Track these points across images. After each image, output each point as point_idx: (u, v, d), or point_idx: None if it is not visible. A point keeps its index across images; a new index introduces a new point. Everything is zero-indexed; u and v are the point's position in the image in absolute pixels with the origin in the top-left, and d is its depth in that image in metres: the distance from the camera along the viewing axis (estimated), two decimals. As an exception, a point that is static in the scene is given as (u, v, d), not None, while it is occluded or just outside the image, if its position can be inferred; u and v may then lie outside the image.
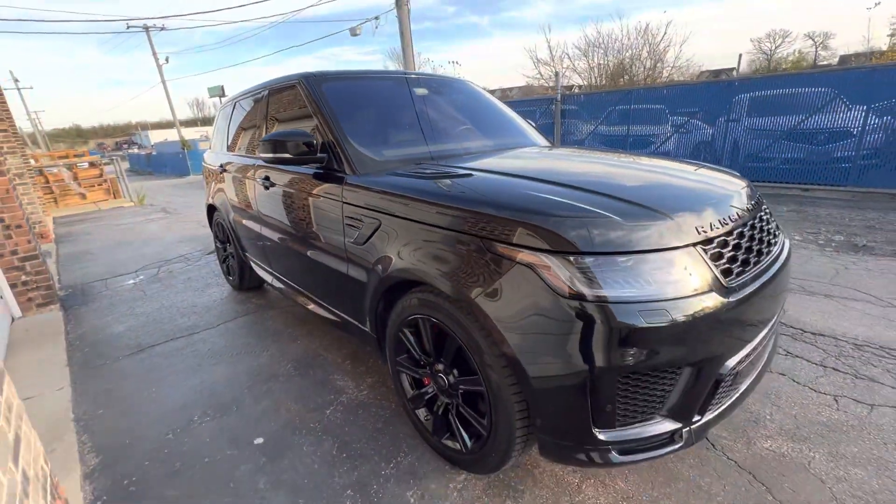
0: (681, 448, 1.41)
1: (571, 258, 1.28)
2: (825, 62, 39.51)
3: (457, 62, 48.41)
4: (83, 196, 11.42)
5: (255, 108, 3.07)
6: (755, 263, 1.53)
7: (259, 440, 2.04)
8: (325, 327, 3.11)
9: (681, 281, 1.31)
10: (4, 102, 8.54)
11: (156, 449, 2.03)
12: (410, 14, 12.72)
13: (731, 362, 1.43)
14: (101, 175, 11.85)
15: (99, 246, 6.28)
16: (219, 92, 22.68)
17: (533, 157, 2.34)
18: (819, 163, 6.77)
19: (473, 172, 1.87)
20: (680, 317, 1.28)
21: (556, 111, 9.16)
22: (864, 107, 6.18)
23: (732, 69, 37.78)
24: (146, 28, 29.07)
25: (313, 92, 2.37)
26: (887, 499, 1.55)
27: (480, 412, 1.62)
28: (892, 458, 1.72)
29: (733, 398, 1.56)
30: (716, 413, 1.49)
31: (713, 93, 7.60)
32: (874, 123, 6.17)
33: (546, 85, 26.82)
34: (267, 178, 2.72)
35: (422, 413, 1.91)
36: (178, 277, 4.53)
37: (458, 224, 1.53)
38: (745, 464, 1.74)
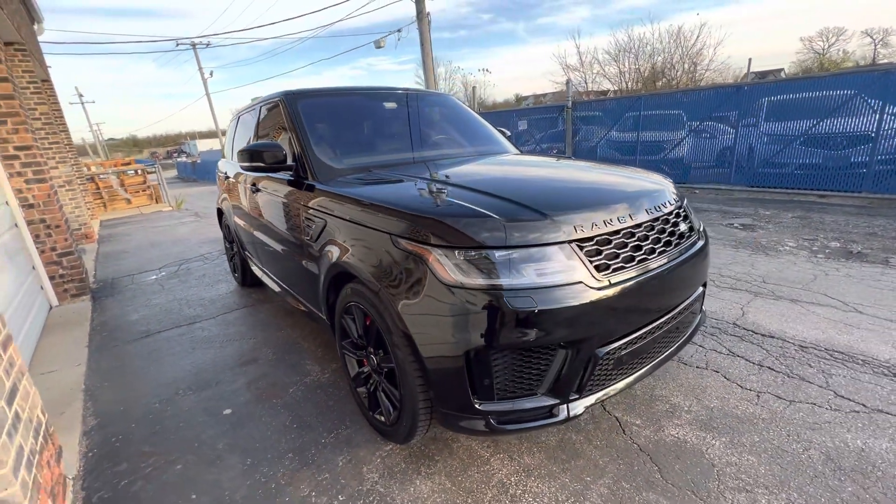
0: (559, 422, 1.59)
1: (455, 252, 1.50)
2: (885, 60, 37.16)
3: (487, 70, 48.67)
4: (128, 201, 12.45)
5: (251, 121, 3.45)
6: (641, 261, 1.69)
7: (228, 411, 2.35)
8: (306, 319, 3.42)
9: (550, 273, 1.51)
10: (62, 118, 9.53)
11: (143, 415, 2.38)
12: (431, 26, 13.13)
13: (609, 347, 1.60)
14: (144, 182, 12.88)
15: (134, 246, 6.92)
16: None
17: (472, 165, 2.55)
18: (835, 168, 6.56)
19: (404, 178, 2.11)
20: (546, 304, 1.47)
21: (567, 118, 9.24)
22: (882, 109, 5.96)
23: (781, 70, 36.19)
24: (193, 45, 31.19)
25: (290, 108, 2.69)
26: (768, 482, 1.66)
27: (396, 387, 1.86)
28: (788, 449, 1.81)
29: (623, 380, 1.72)
30: (599, 392, 1.66)
31: (724, 97, 7.49)
32: (892, 127, 5.94)
33: (578, 90, 26.70)
34: (254, 184, 3.07)
35: (361, 391, 2.15)
36: (193, 274, 5.00)
37: (375, 222, 1.78)
38: (646, 447, 1.88)
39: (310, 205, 2.28)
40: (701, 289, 2.11)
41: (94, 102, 55.19)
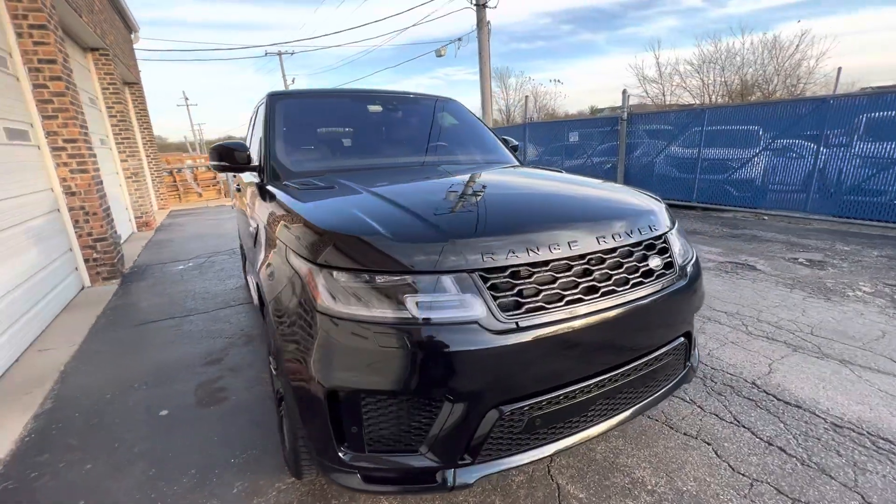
0: (439, 490, 1.30)
1: (333, 273, 1.29)
2: None
3: (558, 81, 47.53)
4: (199, 194, 13.58)
5: (253, 120, 3.48)
6: (572, 302, 1.36)
7: (164, 412, 2.30)
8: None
9: (438, 307, 1.24)
10: (146, 117, 10.61)
11: (91, 405, 2.40)
12: (492, 35, 12.96)
13: (515, 406, 1.29)
14: (214, 177, 13.98)
15: (182, 236, 7.43)
16: None
17: (425, 176, 2.30)
18: (948, 200, 5.38)
19: (336, 185, 1.92)
20: (422, 343, 1.21)
21: (621, 131, 8.57)
22: None
23: (900, 85, 31.50)
24: (279, 53, 33.94)
25: (268, 107, 2.63)
26: None
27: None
28: (769, 569, 1.36)
29: (541, 447, 1.39)
30: (504, 461, 1.34)
31: (807, 111, 6.50)
32: None
33: (654, 103, 25.24)
34: (237, 184, 3.07)
35: (281, 411, 1.99)
36: (214, 268, 5.21)
37: (279, 231, 1.62)
38: (578, 531, 1.51)
39: (255, 207, 2.19)
40: (681, 339, 1.69)
41: (196, 105, 61.72)
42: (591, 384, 1.41)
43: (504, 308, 1.28)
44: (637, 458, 1.84)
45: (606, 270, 1.45)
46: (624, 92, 8.41)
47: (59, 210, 4.37)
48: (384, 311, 1.23)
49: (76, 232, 4.52)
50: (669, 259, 1.66)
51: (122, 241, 6.09)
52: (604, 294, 1.42)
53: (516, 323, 1.27)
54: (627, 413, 1.58)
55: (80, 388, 2.59)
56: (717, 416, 2.08)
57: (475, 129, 3.22)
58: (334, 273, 1.28)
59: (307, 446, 1.43)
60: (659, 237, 1.65)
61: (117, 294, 4.38)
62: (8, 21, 3.91)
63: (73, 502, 1.73)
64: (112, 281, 4.78)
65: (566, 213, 1.60)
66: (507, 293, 1.29)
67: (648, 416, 2.11)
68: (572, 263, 1.39)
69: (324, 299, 1.27)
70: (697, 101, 24.46)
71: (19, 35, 3.98)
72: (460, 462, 1.29)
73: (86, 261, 4.62)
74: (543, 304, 1.32)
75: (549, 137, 10.73)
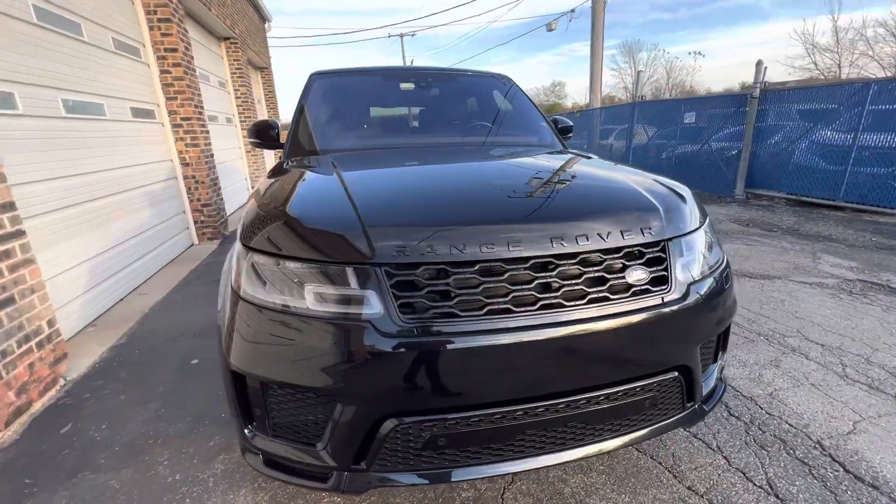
0: (331, 491, 1.23)
1: (250, 254, 1.28)
2: None
3: (698, 53, 41.56)
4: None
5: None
6: (498, 311, 1.16)
7: (195, 361, 2.61)
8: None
9: (332, 299, 1.15)
10: (274, 98, 11.96)
11: (148, 346, 2.83)
12: (606, 7, 11.82)
13: (412, 420, 1.16)
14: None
15: (285, 206, 8.31)
16: None
17: (439, 158, 2.14)
18: None
19: (316, 166, 1.90)
20: (310, 338, 1.14)
21: (749, 112, 7.13)
22: None
23: None
24: (401, 35, 35.56)
25: (306, 86, 2.73)
26: None
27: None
28: None
29: (448, 470, 1.23)
30: (401, 474, 1.22)
31: None
32: None
33: (827, 76, 20.89)
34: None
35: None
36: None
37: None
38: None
39: (268, 184, 2.29)
40: (671, 375, 1.35)
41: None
42: (518, 410, 1.20)
43: (407, 310, 1.13)
44: (611, 503, 1.55)
45: (556, 279, 1.20)
46: (758, 64, 6.97)
47: (175, 178, 5.19)
48: (281, 298, 1.19)
49: (188, 197, 5.32)
50: (663, 273, 1.31)
51: (240, 206, 7.04)
52: (544, 308, 1.18)
53: (416, 328, 1.12)
54: (585, 450, 1.32)
55: (148, 330, 3.07)
56: (744, 474, 1.65)
57: (519, 108, 2.94)
58: (255, 255, 1.27)
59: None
60: (652, 245, 1.32)
61: (214, 253, 5.08)
62: (143, 16, 4.66)
63: (100, 422, 2.06)
64: (214, 241, 5.56)
65: (522, 208, 1.35)
66: (414, 294, 1.14)
67: (651, 456, 1.76)
68: (508, 267, 1.18)
69: (241, 280, 1.27)
70: (892, 73, 19.43)
71: (150, 28, 4.72)
72: (353, 467, 1.21)
73: (195, 222, 5.44)
74: (456, 312, 1.14)
75: (660, 119, 9.47)
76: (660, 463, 1.72)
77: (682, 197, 1.56)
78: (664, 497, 1.57)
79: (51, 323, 2.37)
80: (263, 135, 2.54)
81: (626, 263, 1.27)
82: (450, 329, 1.13)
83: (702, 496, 1.56)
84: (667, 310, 1.28)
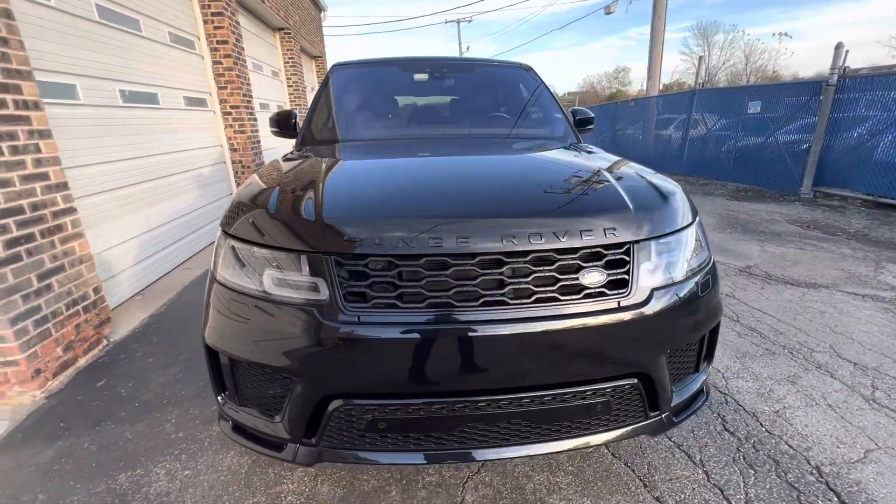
0: (284, 459, 1.33)
1: (226, 239, 1.39)
2: None
3: (785, 34, 37.55)
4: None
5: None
6: (439, 305, 1.18)
7: (217, 332, 2.84)
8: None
9: (286, 284, 1.24)
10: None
11: (183, 316, 3.12)
12: (671, -17, 11.01)
13: (353, 402, 1.23)
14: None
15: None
16: None
17: (436, 151, 2.16)
18: None
19: (311, 157, 1.98)
20: (262, 320, 1.23)
21: (824, 101, 6.39)
22: None
23: None
24: (458, 21, 35.25)
25: (326, 77, 2.85)
26: None
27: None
28: None
29: (390, 453, 1.29)
30: (346, 451, 1.29)
31: None
32: None
33: None
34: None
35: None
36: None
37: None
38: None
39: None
40: (630, 382, 1.31)
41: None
42: (459, 403, 1.23)
43: (352, 298, 1.19)
44: (572, 505, 1.54)
45: (502, 277, 1.20)
46: (838, 47, 6.22)
47: (224, 162, 5.58)
48: (245, 282, 1.29)
49: (235, 181, 5.71)
50: (623, 276, 1.27)
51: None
52: (487, 304, 1.19)
53: (358, 316, 1.17)
54: (531, 449, 1.32)
55: (185, 302, 3.38)
56: (721, 491, 1.56)
57: (536, 99, 2.86)
58: (229, 240, 1.38)
59: None
60: (614, 247, 1.27)
61: (255, 233, 5.43)
62: (198, 10, 5.00)
63: (127, 381, 2.33)
64: (258, 222, 5.93)
65: (478, 204, 1.36)
66: (359, 283, 1.20)
67: (626, 462, 1.71)
68: (454, 262, 1.20)
69: (217, 262, 1.39)
70: None
71: (204, 21, 5.07)
72: (304, 441, 1.30)
73: (241, 204, 5.83)
74: (397, 303, 1.18)
75: (722, 109, 8.74)
76: (633, 470, 1.68)
77: (665, 197, 1.48)
78: (628, 505, 1.53)
79: (97, 290, 2.69)
80: (284, 124, 2.68)
81: (582, 265, 1.25)
82: (390, 319, 1.17)
83: (669, 510, 1.51)
84: (623, 315, 1.24)
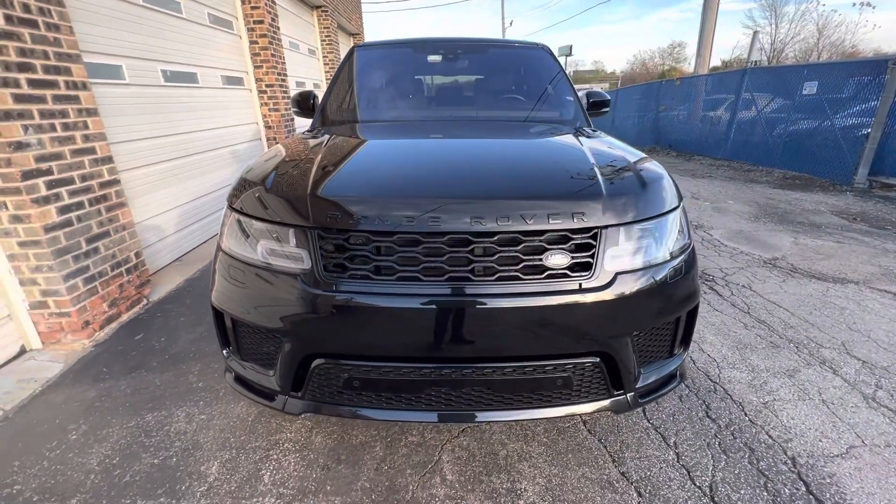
0: (275, 408, 1.51)
1: (230, 211, 1.56)
2: None
3: (867, 4, 33.74)
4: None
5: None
6: (405, 279, 1.29)
7: (241, 298, 3.10)
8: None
9: (277, 254, 1.38)
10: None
11: (213, 281, 3.41)
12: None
13: (334, 361, 1.38)
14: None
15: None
16: (567, 52, 23.07)
17: (439, 134, 2.23)
18: None
19: (321, 136, 2.11)
20: (254, 285, 1.40)
21: (889, 83, 5.82)
22: None
23: None
24: (500, -4, 34.21)
25: (346, 57, 2.95)
26: None
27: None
28: None
29: (364, 409, 1.44)
30: (326, 405, 1.45)
31: None
32: None
33: None
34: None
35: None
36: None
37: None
38: None
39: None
40: (591, 360, 1.38)
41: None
42: (425, 368, 1.35)
43: (331, 269, 1.32)
44: (538, 472, 1.64)
45: (468, 255, 1.29)
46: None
47: (259, 139, 5.86)
48: (244, 251, 1.44)
49: (270, 157, 5.99)
50: (588, 260, 1.32)
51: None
52: (452, 280, 1.29)
53: (335, 285, 1.30)
54: (494, 415, 1.43)
55: (217, 268, 3.67)
56: (688, 472, 1.62)
57: (549, 82, 2.85)
58: (232, 213, 1.54)
59: None
60: (581, 231, 1.33)
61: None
62: (236, -9, 5.20)
63: (160, 336, 2.62)
64: (290, 197, 6.22)
65: (454, 187, 1.44)
66: (338, 255, 1.32)
67: (599, 438, 1.79)
68: (424, 240, 1.30)
69: (223, 232, 1.56)
70: None
71: (242, 2, 5.26)
72: (292, 394, 1.47)
73: (274, 180, 6.12)
74: (370, 275, 1.30)
75: (774, 89, 8.14)
76: (605, 446, 1.75)
77: (645, 183, 1.50)
78: (592, 476, 1.62)
79: (138, 255, 3.00)
80: (304, 104, 2.82)
81: (547, 247, 1.31)
82: (364, 290, 1.30)
83: (631, 483, 1.58)
84: (583, 297, 1.30)
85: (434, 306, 1.28)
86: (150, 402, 2.05)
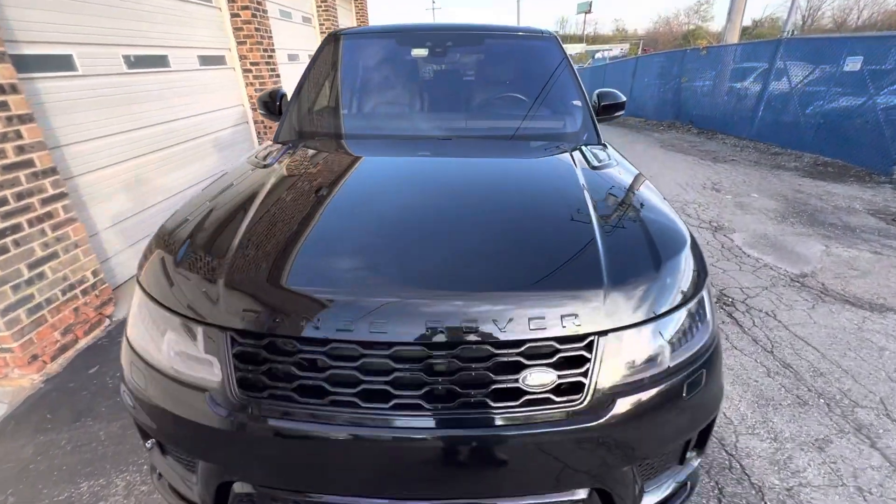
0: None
1: (137, 289, 1.25)
2: None
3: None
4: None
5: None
6: (339, 404, 1.00)
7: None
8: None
9: (182, 355, 1.09)
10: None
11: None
12: None
13: (257, 490, 1.10)
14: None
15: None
16: (586, 9, 21.75)
17: (421, 157, 1.87)
18: None
19: (271, 162, 1.77)
20: (148, 395, 1.12)
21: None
22: None
23: None
24: (516, -52, 31.90)
25: (318, 49, 2.54)
26: None
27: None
28: None
29: None
30: None
31: None
32: None
33: None
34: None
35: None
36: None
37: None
38: None
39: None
40: (581, 496, 1.09)
41: (440, 9, 65.17)
42: None
43: (246, 384, 1.03)
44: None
45: (421, 374, 0.99)
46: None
47: (247, 122, 5.47)
48: (145, 345, 1.16)
49: (258, 141, 5.62)
50: (579, 379, 1.01)
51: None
52: (399, 407, 0.99)
53: (251, 407, 1.01)
54: None
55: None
56: None
57: (553, 81, 2.42)
58: (138, 290, 1.24)
59: None
60: (573, 339, 1.01)
61: (276, 197, 5.40)
62: (212, -43, 4.67)
63: (116, 367, 2.35)
64: (282, 184, 5.89)
65: (412, 275, 1.10)
66: (255, 367, 1.03)
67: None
68: (365, 352, 0.99)
69: (130, 313, 1.26)
70: None
71: (219, -31, 4.74)
72: (215, 512, 1.22)
73: (264, 165, 5.78)
74: (295, 397, 1.01)
75: (814, 61, 7.38)
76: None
77: (660, 260, 1.16)
78: None
79: (95, 273, 2.74)
80: (270, 106, 2.47)
81: (526, 363, 1.00)
82: (287, 414, 1.01)
83: None
84: (573, 427, 1.00)
85: (376, 439, 0.99)
86: (90, 464, 1.83)
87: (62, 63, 2.85)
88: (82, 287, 2.64)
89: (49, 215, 2.42)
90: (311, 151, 1.96)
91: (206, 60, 4.62)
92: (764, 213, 4.71)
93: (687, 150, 8.27)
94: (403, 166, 1.82)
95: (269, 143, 2.19)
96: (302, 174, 1.70)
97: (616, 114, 2.46)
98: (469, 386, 0.99)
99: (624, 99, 2.48)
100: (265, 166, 1.76)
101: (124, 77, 3.40)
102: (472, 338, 0.98)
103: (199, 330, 1.06)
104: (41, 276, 2.37)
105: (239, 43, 5.10)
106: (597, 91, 2.49)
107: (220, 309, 1.05)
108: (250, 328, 1.02)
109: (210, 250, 1.20)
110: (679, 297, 1.12)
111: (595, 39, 65.46)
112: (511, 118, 2.25)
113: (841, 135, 6.71)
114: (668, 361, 1.08)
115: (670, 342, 1.09)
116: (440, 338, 0.98)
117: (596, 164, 1.75)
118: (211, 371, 1.05)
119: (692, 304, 1.15)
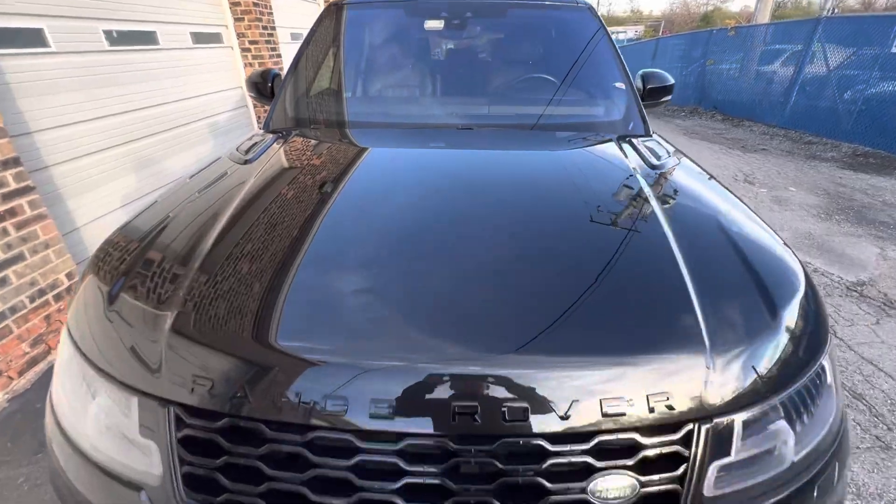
0: None
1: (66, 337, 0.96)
2: None
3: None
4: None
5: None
6: None
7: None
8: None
9: (113, 432, 0.80)
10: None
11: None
12: None
13: None
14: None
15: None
16: None
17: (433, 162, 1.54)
18: None
19: (253, 157, 1.45)
20: (75, 477, 0.84)
21: None
22: None
23: None
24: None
25: (316, 23, 2.20)
26: None
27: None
28: None
29: None
30: None
31: None
32: None
33: None
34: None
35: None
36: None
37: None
38: None
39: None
40: None
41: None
42: None
43: (196, 484, 0.73)
44: None
45: (439, 480, 0.68)
46: None
47: (246, 106, 5.13)
48: (68, 413, 0.86)
49: (258, 125, 5.29)
50: (673, 485, 0.70)
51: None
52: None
53: (209, 515, 0.72)
54: None
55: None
56: None
57: (591, 60, 2.05)
58: (66, 338, 0.93)
59: None
60: (662, 430, 0.69)
61: (277, 187, 5.10)
62: (206, -77, 4.28)
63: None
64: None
65: (432, 346, 0.78)
66: (209, 461, 0.73)
67: None
68: (363, 445, 0.69)
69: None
70: None
71: (214, -63, 4.35)
72: None
73: (265, 152, 5.46)
74: (259, 502, 0.71)
75: (854, 44, 6.83)
76: None
77: (775, 316, 0.83)
78: None
79: (70, 275, 2.46)
80: (262, 88, 2.14)
81: (595, 464, 0.69)
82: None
83: None
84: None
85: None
86: (47, 510, 1.58)
87: (30, 38, 2.53)
88: (55, 292, 2.36)
89: (11, 212, 2.13)
90: (304, 144, 1.64)
91: (200, 38, 4.26)
92: (805, 210, 4.32)
93: (712, 138, 7.80)
94: (417, 165, 1.47)
95: (257, 131, 1.87)
96: (289, 175, 1.37)
97: (662, 99, 2.09)
98: (513, 499, 0.68)
99: (672, 81, 2.11)
100: (246, 162, 1.44)
101: (106, 55, 3.07)
102: (517, 427, 0.67)
103: (134, 402, 0.76)
104: (4, 281, 2.09)
105: (236, 19, 4.72)
106: (640, 71, 2.12)
107: (161, 373, 0.75)
108: (203, 404, 0.72)
109: (154, 286, 0.89)
110: (802, 364, 0.80)
111: (609, 21, 63.51)
112: (541, 103, 1.90)
113: (884, 123, 6.22)
114: (791, 455, 0.77)
115: (795, 426, 0.77)
116: (471, 427, 0.67)
117: (654, 162, 1.41)
118: (148, 461, 0.75)
119: (815, 372, 0.83)
